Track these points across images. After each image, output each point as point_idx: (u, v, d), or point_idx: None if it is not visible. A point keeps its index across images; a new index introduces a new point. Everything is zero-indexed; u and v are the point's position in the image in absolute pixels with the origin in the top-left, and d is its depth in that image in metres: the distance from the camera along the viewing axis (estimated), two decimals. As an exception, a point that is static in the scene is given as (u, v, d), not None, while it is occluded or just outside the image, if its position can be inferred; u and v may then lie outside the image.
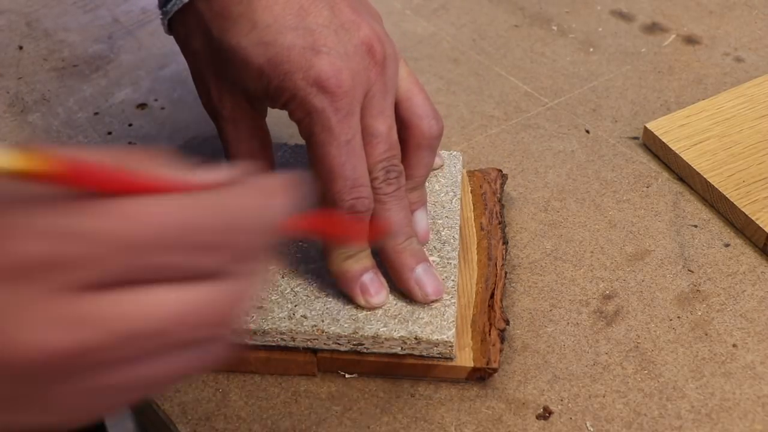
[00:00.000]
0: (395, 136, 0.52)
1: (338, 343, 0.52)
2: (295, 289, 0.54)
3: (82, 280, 0.30)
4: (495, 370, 0.52)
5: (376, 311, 0.53)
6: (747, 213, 0.60)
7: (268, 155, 0.55)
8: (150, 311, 0.31)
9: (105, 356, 0.31)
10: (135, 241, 0.30)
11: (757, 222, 0.59)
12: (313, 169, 0.51)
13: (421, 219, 0.56)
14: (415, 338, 0.52)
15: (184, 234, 0.31)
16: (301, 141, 0.60)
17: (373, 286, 0.53)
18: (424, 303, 0.53)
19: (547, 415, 0.52)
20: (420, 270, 0.53)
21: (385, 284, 0.53)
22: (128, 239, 0.30)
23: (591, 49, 0.76)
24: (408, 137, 0.54)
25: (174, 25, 0.53)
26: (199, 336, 0.32)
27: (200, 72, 0.53)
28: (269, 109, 0.55)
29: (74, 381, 0.31)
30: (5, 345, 0.29)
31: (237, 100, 0.53)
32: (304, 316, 0.52)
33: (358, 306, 0.53)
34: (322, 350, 0.53)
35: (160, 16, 0.53)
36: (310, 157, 0.50)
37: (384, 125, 0.51)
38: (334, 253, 0.52)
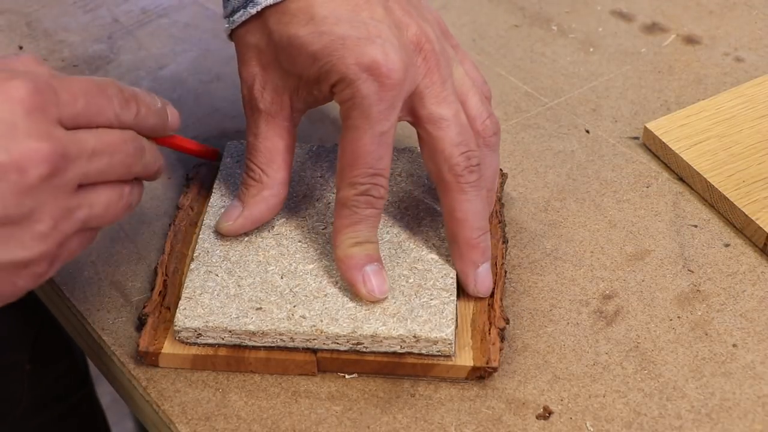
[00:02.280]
0: (465, 120, 0.53)
1: (337, 343, 0.52)
2: (294, 290, 0.54)
3: (56, 117, 0.43)
4: (495, 369, 0.52)
5: (375, 310, 0.53)
6: (747, 213, 0.60)
7: (288, 160, 0.56)
8: (101, 137, 0.45)
9: (79, 167, 0.44)
10: (85, 90, 0.45)
11: (757, 222, 0.59)
12: (341, 151, 0.52)
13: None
14: (414, 336, 0.52)
15: (105, 88, 0.46)
16: (302, 142, 0.60)
17: (377, 278, 0.53)
18: (475, 297, 0.55)
19: (547, 415, 0.52)
20: (483, 268, 0.55)
21: (387, 281, 0.53)
22: (83, 89, 0.45)
23: (591, 49, 0.76)
24: None
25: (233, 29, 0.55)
26: (129, 162, 0.47)
27: (249, 64, 0.55)
28: None
29: (58, 192, 0.43)
30: (9, 151, 0.41)
31: (278, 95, 0.54)
32: (303, 317, 0.52)
33: (357, 305, 0.53)
34: (322, 350, 0.53)
35: (225, 25, 0.55)
36: (341, 138, 0.52)
37: (449, 110, 0.53)
38: (342, 236, 0.53)
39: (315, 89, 0.53)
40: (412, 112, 0.53)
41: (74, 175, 0.44)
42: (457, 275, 0.55)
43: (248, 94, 0.55)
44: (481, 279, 0.55)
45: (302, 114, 0.56)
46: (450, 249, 0.55)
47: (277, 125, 0.55)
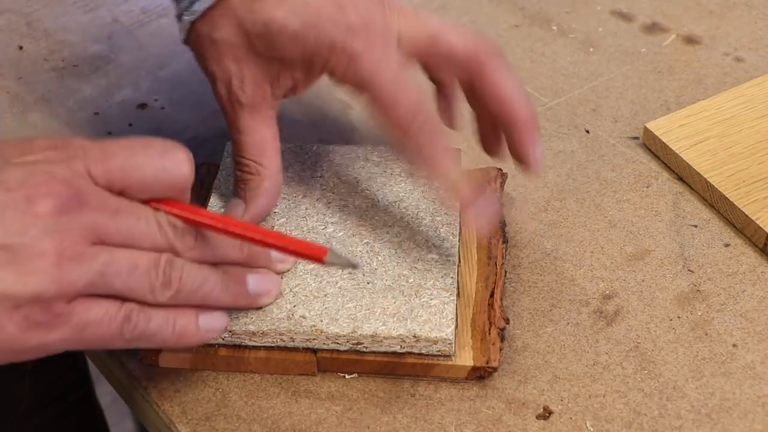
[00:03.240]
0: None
1: (337, 343, 0.52)
2: (294, 290, 0.54)
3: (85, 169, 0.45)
4: (495, 369, 0.52)
5: (375, 310, 0.53)
6: (747, 213, 0.60)
7: (277, 147, 0.56)
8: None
9: (95, 214, 0.43)
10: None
11: (757, 222, 0.59)
12: (373, 109, 0.52)
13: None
14: (414, 336, 0.52)
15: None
16: (302, 142, 0.60)
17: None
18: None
19: (547, 415, 0.52)
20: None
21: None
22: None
23: (591, 49, 0.76)
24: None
25: (193, 24, 0.54)
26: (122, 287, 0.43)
27: (221, 61, 0.54)
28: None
29: (69, 231, 0.42)
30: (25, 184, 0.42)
31: (258, 86, 0.54)
32: (303, 316, 0.52)
33: (357, 305, 0.53)
34: (322, 350, 0.53)
35: (185, 18, 0.54)
36: (367, 101, 0.52)
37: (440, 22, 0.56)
38: (437, 160, 0.54)
39: (298, 71, 0.53)
40: (417, 44, 0.55)
41: (89, 221, 0.42)
42: (457, 271, 0.55)
43: (227, 92, 0.55)
44: (540, 151, 0.56)
45: (279, 101, 0.56)
46: (506, 138, 0.56)
47: (262, 116, 0.55)
